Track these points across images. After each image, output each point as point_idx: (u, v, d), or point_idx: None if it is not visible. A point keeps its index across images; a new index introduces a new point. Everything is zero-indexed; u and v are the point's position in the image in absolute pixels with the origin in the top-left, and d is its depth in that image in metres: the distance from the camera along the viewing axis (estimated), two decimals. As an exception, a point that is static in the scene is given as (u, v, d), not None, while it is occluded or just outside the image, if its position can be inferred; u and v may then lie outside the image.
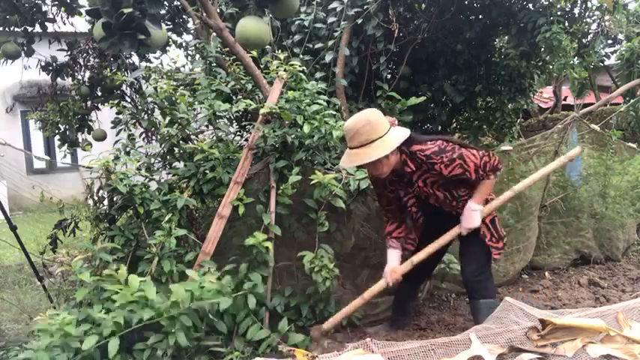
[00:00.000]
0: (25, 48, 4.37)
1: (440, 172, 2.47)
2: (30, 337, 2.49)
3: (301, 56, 4.62)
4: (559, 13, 4.79)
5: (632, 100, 5.27)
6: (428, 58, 5.71)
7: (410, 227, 2.88)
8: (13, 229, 3.38)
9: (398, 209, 2.84)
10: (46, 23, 4.27)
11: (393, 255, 2.79)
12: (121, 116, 4.28)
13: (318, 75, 4.56)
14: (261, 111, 3.23)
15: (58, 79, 5.39)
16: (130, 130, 4.09)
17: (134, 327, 2.40)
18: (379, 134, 2.40)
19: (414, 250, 2.84)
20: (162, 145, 3.41)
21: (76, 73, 5.30)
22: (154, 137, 4.80)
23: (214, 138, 3.55)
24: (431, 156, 2.46)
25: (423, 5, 5.20)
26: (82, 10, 4.10)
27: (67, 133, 5.60)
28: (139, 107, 4.89)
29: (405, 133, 2.46)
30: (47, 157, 9.29)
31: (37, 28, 4.27)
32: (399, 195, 2.74)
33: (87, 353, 2.30)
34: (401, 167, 2.55)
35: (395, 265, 2.75)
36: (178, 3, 4.75)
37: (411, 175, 2.58)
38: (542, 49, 5.01)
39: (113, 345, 2.31)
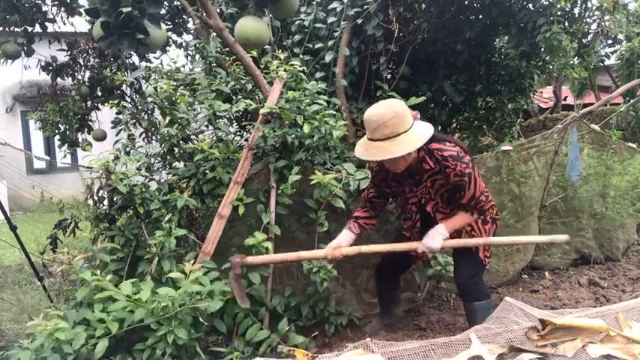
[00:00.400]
0: (25, 48, 4.37)
1: (447, 176, 2.40)
2: (28, 338, 2.49)
3: (301, 56, 4.62)
4: (559, 13, 4.79)
5: (632, 100, 5.27)
6: (428, 58, 5.71)
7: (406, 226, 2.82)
8: (13, 229, 3.38)
9: (380, 206, 2.77)
10: (46, 23, 4.27)
11: (347, 236, 2.65)
12: (121, 116, 4.28)
13: (318, 75, 4.56)
14: (261, 111, 3.23)
15: (58, 79, 5.39)
16: (130, 130, 4.09)
17: (125, 329, 2.41)
18: (405, 128, 2.26)
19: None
20: (163, 145, 3.42)
21: (76, 73, 5.30)
22: (153, 137, 4.80)
23: (214, 138, 3.55)
24: (447, 158, 2.37)
25: (423, 5, 5.20)
26: (82, 10, 4.10)
27: (67, 133, 5.60)
28: (139, 107, 4.89)
29: (429, 129, 2.35)
30: (47, 157, 9.29)
31: (37, 28, 4.27)
32: (403, 191, 2.63)
33: (78, 354, 2.31)
34: (417, 164, 2.45)
35: (342, 243, 2.60)
36: (178, 3, 4.75)
37: (425, 173, 2.48)
38: (542, 49, 5.01)
39: (101, 346, 2.32)
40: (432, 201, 2.57)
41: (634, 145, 4.87)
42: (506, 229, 3.90)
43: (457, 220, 2.54)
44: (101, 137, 5.63)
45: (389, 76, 5.40)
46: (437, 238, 2.48)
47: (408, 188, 2.60)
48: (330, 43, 4.57)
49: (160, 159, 3.49)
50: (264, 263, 2.81)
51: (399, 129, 2.26)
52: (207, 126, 3.72)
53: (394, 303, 3.13)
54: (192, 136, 3.68)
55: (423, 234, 2.71)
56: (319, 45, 4.70)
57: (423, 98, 4.27)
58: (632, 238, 4.93)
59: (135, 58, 5.26)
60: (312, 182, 2.98)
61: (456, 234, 2.60)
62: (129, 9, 2.34)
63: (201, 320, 2.55)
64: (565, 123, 4.09)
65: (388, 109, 2.27)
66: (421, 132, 2.32)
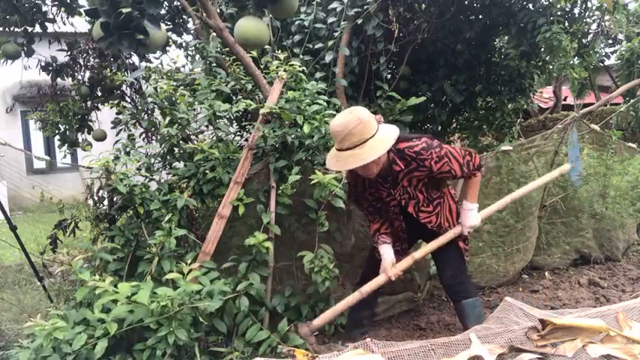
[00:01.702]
0: (25, 48, 4.37)
1: (430, 168, 2.42)
2: (28, 338, 2.49)
3: (301, 56, 4.62)
4: (559, 13, 4.79)
5: (632, 100, 5.26)
6: (428, 58, 5.71)
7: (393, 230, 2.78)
8: (13, 229, 3.38)
9: (379, 210, 2.74)
10: (46, 23, 4.27)
11: (388, 250, 2.67)
12: (121, 116, 4.28)
13: (318, 75, 4.56)
14: (261, 111, 3.23)
15: (58, 79, 5.38)
16: (130, 130, 4.09)
17: (125, 329, 2.41)
18: (371, 133, 2.29)
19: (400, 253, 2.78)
20: (162, 145, 3.42)
21: (76, 73, 5.30)
22: (153, 137, 4.80)
23: (214, 138, 3.55)
24: (420, 152, 2.40)
25: (423, 5, 5.20)
26: (82, 10, 4.11)
27: (67, 133, 5.60)
28: (139, 107, 4.90)
29: (395, 130, 2.37)
30: (47, 157, 9.29)
31: (37, 28, 4.27)
32: (381, 196, 2.64)
33: (78, 353, 2.31)
34: (388, 167, 2.46)
35: (392, 258, 2.63)
36: (178, 3, 4.75)
37: (398, 173, 2.49)
38: (542, 49, 5.01)
39: (101, 346, 2.33)
40: (413, 200, 2.57)
41: (634, 145, 4.87)
42: (506, 229, 3.91)
43: (472, 188, 2.61)
44: (101, 137, 5.63)
45: (389, 76, 5.40)
46: (471, 215, 2.59)
47: (385, 192, 2.60)
48: (330, 43, 4.57)
49: (160, 159, 3.49)
50: (333, 317, 2.68)
51: (366, 135, 2.27)
52: (207, 126, 3.72)
53: (359, 327, 2.96)
54: (192, 136, 3.68)
55: (410, 239, 2.77)
56: (319, 45, 4.70)
57: (423, 98, 4.28)
58: (632, 238, 4.93)
59: (135, 59, 5.27)
60: (312, 182, 2.98)
61: (437, 228, 2.65)
62: (128, 10, 2.34)
63: (201, 320, 2.55)
64: (565, 123, 4.09)
65: (352, 117, 2.28)
66: (387, 134, 2.34)
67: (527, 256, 4.10)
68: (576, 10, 5.05)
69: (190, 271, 2.58)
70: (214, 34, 3.87)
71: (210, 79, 3.77)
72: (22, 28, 4.16)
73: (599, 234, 4.52)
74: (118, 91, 5.36)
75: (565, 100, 10.38)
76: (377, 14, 4.56)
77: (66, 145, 5.69)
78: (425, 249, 2.68)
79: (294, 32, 4.88)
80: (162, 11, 4.85)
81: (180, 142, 3.49)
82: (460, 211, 2.67)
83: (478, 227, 3.65)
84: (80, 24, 5.06)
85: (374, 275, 2.75)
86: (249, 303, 2.81)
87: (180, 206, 3.01)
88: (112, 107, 4.48)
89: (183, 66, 4.63)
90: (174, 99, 3.49)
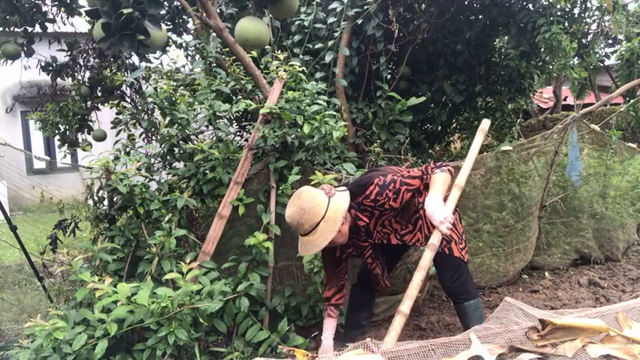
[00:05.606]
0: (25, 48, 4.37)
1: (392, 207, 2.38)
2: (28, 338, 2.49)
3: (301, 56, 4.62)
4: (559, 13, 4.79)
5: (632, 100, 5.26)
6: (428, 58, 5.72)
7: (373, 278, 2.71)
8: (13, 229, 3.38)
9: (344, 272, 2.67)
10: (46, 23, 4.27)
11: (331, 326, 2.59)
12: (121, 116, 4.28)
13: (318, 75, 4.57)
14: (261, 111, 3.23)
15: (58, 79, 5.38)
16: (130, 131, 4.09)
17: (125, 329, 2.41)
18: (320, 216, 2.25)
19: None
20: (163, 146, 3.42)
21: (76, 74, 5.30)
22: (154, 137, 4.80)
23: (214, 138, 3.56)
24: (377, 199, 2.36)
25: (423, 5, 5.20)
26: (83, 11, 4.11)
27: (67, 133, 5.60)
28: (139, 107, 4.89)
29: (345, 198, 2.34)
30: (47, 157, 9.29)
31: (37, 29, 4.27)
32: (360, 247, 2.59)
33: (78, 354, 2.32)
34: (354, 224, 2.43)
35: (331, 345, 2.53)
36: (178, 3, 4.76)
37: (367, 226, 2.49)
38: (542, 50, 5.01)
39: (100, 347, 2.34)
40: (392, 233, 2.57)
41: (634, 145, 4.87)
42: (506, 229, 3.91)
43: (432, 186, 2.34)
44: (101, 137, 5.63)
45: (389, 76, 5.40)
46: (435, 208, 2.28)
47: (364, 243, 2.58)
48: (330, 43, 4.57)
49: (160, 159, 3.50)
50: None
51: (315, 219, 2.25)
52: (207, 126, 3.72)
53: (359, 328, 2.87)
54: (192, 136, 3.68)
55: (388, 261, 2.74)
56: (319, 45, 4.70)
57: (423, 98, 4.29)
58: (632, 238, 4.93)
59: (135, 59, 5.27)
60: (312, 182, 2.98)
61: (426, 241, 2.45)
62: (129, 10, 2.34)
63: (201, 320, 2.55)
64: (565, 123, 4.09)
65: (296, 208, 2.27)
66: (337, 208, 2.29)
67: (527, 256, 4.10)
68: (576, 10, 5.06)
69: (190, 270, 2.58)
70: (214, 34, 3.88)
71: (210, 79, 3.78)
72: (22, 28, 4.15)
73: (599, 234, 4.52)
74: (118, 91, 5.36)
75: (565, 100, 10.38)
76: (377, 14, 4.56)
77: (66, 145, 5.68)
78: (413, 288, 2.20)
79: (294, 32, 4.88)
80: (162, 11, 4.85)
81: (180, 142, 3.49)
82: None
83: (478, 227, 3.65)
84: (80, 24, 5.06)
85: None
86: (249, 303, 2.81)
87: (180, 206, 3.01)
88: (112, 107, 4.49)
89: (183, 66, 4.63)
90: (174, 99, 3.49)
